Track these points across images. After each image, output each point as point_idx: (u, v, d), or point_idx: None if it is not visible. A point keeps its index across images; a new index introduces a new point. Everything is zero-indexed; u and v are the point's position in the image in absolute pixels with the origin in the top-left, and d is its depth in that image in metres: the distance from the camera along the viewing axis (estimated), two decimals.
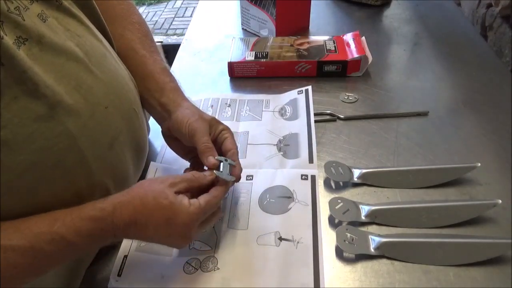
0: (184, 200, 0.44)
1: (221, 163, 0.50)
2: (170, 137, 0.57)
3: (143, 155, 0.59)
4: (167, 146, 0.66)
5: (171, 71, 0.61)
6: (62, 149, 0.41)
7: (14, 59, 0.36)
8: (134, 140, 0.53)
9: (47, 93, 0.39)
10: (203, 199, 0.45)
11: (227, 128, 0.54)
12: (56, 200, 0.42)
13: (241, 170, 0.52)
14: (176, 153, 0.59)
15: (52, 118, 0.39)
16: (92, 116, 0.44)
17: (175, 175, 0.47)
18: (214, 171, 0.48)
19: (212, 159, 0.49)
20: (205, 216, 0.46)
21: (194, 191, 0.47)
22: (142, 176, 0.61)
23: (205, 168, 0.51)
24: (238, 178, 0.51)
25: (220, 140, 0.53)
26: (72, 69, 0.42)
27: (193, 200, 0.45)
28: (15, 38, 0.37)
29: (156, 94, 0.56)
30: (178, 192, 0.44)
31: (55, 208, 0.41)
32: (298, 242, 0.52)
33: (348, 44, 0.84)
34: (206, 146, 0.50)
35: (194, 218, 0.44)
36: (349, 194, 0.59)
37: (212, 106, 0.75)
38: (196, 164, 0.56)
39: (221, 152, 0.52)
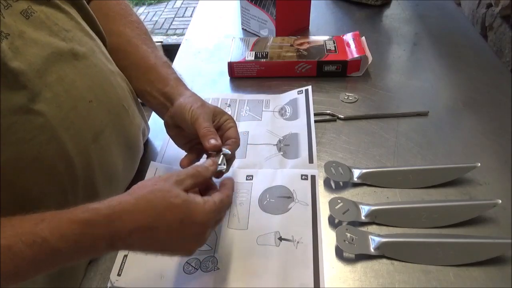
0: (197, 197, 0.41)
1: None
2: (172, 126, 0.56)
3: (135, 153, 0.59)
4: (167, 146, 0.66)
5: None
6: (42, 142, 0.41)
7: None
8: (122, 136, 0.53)
9: (27, 85, 0.39)
10: (217, 197, 0.43)
11: (232, 118, 0.54)
12: (39, 195, 0.41)
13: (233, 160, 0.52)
14: (176, 142, 0.58)
15: (32, 110, 0.39)
16: (74, 109, 0.44)
17: (178, 172, 0.43)
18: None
19: (214, 141, 0.48)
20: (220, 215, 0.44)
21: (199, 187, 0.46)
22: (139, 176, 0.61)
23: (204, 157, 0.50)
24: (227, 170, 0.50)
25: (225, 128, 0.52)
26: (55, 63, 0.43)
27: (206, 198, 0.42)
28: None
29: (159, 85, 0.56)
30: (186, 190, 0.41)
31: (38, 203, 0.40)
32: (298, 242, 0.52)
33: (348, 44, 0.84)
34: (208, 130, 0.49)
35: (211, 216, 0.41)
36: (349, 194, 0.59)
37: None
38: (194, 152, 0.55)
39: (222, 141, 0.51)
